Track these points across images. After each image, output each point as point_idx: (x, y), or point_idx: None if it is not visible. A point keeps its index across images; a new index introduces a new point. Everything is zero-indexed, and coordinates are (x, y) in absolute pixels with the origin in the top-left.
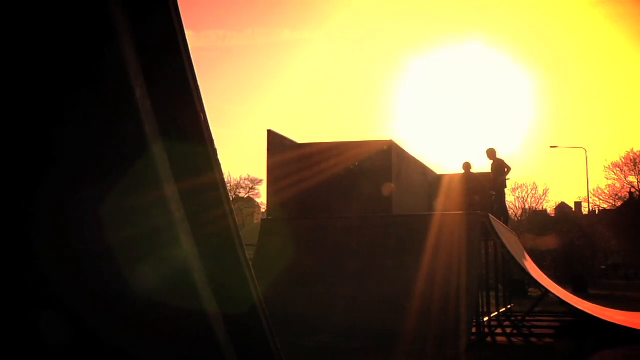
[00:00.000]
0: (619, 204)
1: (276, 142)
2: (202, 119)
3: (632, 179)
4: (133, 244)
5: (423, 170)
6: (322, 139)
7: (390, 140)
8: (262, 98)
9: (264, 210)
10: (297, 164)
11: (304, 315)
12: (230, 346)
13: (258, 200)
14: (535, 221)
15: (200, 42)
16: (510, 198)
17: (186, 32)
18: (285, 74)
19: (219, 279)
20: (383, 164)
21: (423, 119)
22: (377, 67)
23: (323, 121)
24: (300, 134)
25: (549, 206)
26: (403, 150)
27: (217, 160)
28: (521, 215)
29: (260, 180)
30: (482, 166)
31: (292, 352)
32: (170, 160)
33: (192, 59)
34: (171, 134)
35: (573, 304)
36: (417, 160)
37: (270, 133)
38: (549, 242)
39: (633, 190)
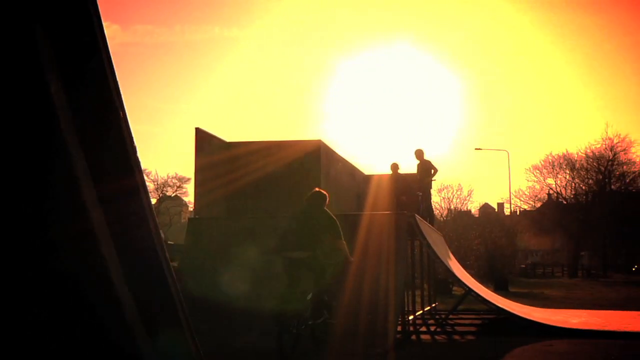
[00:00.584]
0: (539, 205)
1: (204, 141)
2: (121, 116)
3: (551, 181)
4: (51, 244)
5: (351, 170)
6: (251, 138)
7: (319, 141)
8: (191, 96)
9: (191, 209)
10: (225, 163)
11: (233, 315)
12: (148, 346)
13: (186, 199)
14: (460, 221)
15: (127, 37)
16: (436, 199)
17: (113, 27)
18: (215, 72)
19: (137, 279)
20: (312, 163)
21: (352, 120)
22: (307, 67)
23: (253, 120)
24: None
25: (473, 207)
26: (332, 151)
27: (137, 158)
28: (446, 216)
29: (188, 179)
30: (411, 167)
31: (220, 352)
32: (87, 158)
33: (116, 54)
34: (88, 131)
35: (494, 302)
36: (346, 161)
37: (198, 131)
38: (473, 241)
39: (551, 192)
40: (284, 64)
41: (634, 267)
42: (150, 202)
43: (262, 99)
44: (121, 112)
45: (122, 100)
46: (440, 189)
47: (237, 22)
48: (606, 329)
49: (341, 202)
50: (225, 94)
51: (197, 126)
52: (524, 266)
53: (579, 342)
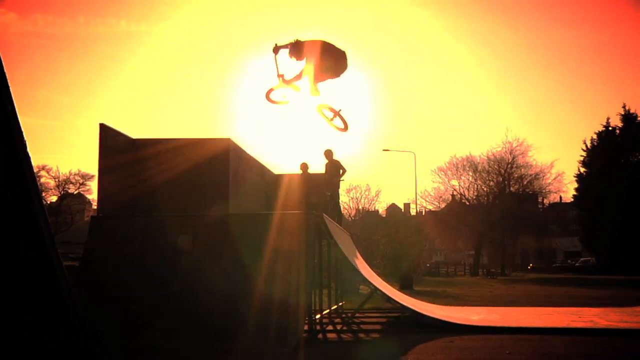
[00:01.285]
0: (443, 205)
1: (109, 137)
2: (9, 109)
3: (455, 182)
4: None
5: (261, 169)
6: (159, 136)
7: (228, 139)
8: (96, 90)
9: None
10: (131, 161)
11: (134, 314)
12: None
13: (89, 196)
14: (368, 221)
15: (26, 26)
16: (344, 198)
17: (9, 15)
18: (122, 67)
19: (24, 278)
20: (220, 162)
21: (263, 119)
22: (217, 66)
23: (161, 117)
24: (136, 129)
25: (381, 207)
26: (241, 149)
27: (27, 154)
28: (355, 215)
29: (92, 176)
30: (321, 167)
31: (119, 352)
32: None
33: (13, 44)
34: None
35: (399, 301)
36: (255, 160)
37: (102, 127)
38: (380, 241)
39: (455, 193)
40: (194, 62)
41: (529, 265)
42: (40, 197)
43: (171, 96)
44: (9, 106)
45: (9, 93)
46: (349, 189)
47: (146, 17)
48: (503, 324)
49: (250, 202)
50: (133, 90)
51: (101, 122)
52: (428, 265)
53: (478, 337)
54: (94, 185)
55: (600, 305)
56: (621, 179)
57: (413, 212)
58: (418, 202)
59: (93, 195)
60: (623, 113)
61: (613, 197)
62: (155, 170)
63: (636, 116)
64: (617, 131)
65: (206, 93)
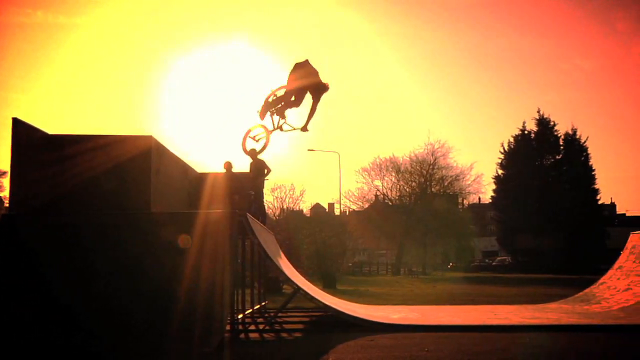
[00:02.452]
0: (367, 205)
1: (23, 132)
2: None
3: (378, 182)
4: None
5: (184, 168)
6: (78, 132)
7: (150, 136)
8: (10, 84)
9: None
10: (47, 157)
11: (53, 315)
12: None
13: (1, 194)
14: (292, 221)
15: None
16: (269, 198)
17: None
18: (39, 60)
19: None
20: (142, 159)
21: (187, 117)
22: (139, 62)
23: (80, 113)
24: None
25: (305, 206)
26: (163, 147)
27: None
28: (279, 215)
29: (5, 172)
30: (246, 166)
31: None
32: None
33: None
34: None
35: (321, 300)
36: (178, 158)
37: (16, 122)
38: (304, 241)
39: (378, 193)
40: (115, 57)
41: (449, 264)
42: None
43: (91, 92)
44: None
45: None
46: (274, 189)
47: (65, 9)
48: (423, 322)
49: (172, 200)
50: (50, 83)
51: (15, 116)
52: (351, 264)
53: (399, 335)
54: (6, 181)
55: (514, 302)
56: (535, 181)
57: (337, 212)
58: (342, 202)
59: (5, 193)
60: (538, 118)
61: (527, 198)
62: (73, 166)
63: (549, 121)
64: (532, 135)
65: (127, 89)
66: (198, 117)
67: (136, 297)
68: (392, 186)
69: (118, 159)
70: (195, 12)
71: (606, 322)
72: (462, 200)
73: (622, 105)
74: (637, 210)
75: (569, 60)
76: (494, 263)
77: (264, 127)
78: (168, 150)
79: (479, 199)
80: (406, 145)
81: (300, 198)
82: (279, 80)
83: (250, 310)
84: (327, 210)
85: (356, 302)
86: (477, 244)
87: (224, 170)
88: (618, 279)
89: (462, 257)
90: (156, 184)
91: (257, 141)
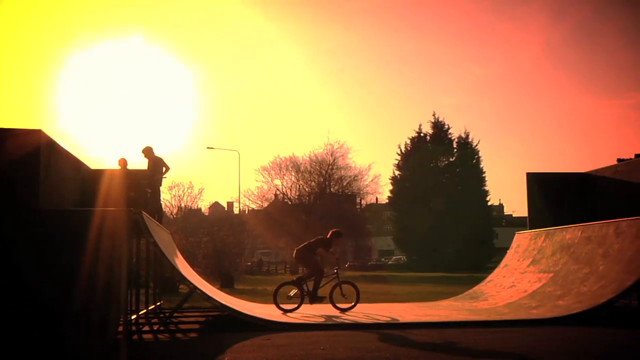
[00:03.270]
0: (266, 204)
1: None
2: None
3: (278, 182)
4: None
5: (76, 164)
6: None
7: (39, 130)
8: None
9: None
10: None
11: None
12: None
13: None
14: (190, 219)
15: None
16: (166, 196)
17: None
18: None
19: None
20: (30, 154)
21: (83, 113)
22: (32, 54)
23: None
24: None
25: (204, 205)
26: (54, 142)
27: None
28: (177, 213)
29: None
30: (144, 163)
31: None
32: None
33: None
34: None
35: (218, 299)
36: (70, 154)
37: None
38: (202, 239)
39: (278, 192)
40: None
41: (347, 263)
42: None
43: None
44: None
45: None
46: (171, 187)
47: None
48: (319, 321)
49: (64, 197)
50: None
51: None
52: (250, 264)
53: (295, 334)
54: None
55: (408, 300)
56: (429, 182)
57: (236, 210)
58: (241, 200)
59: None
60: (433, 121)
61: (421, 199)
62: None
63: (444, 124)
64: (428, 137)
65: (18, 82)
66: (96, 113)
67: (33, 297)
68: (291, 185)
69: (4, 154)
70: (91, 6)
71: (492, 318)
72: (360, 200)
73: (509, 111)
74: (522, 211)
75: (462, 66)
76: (389, 262)
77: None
78: (59, 146)
79: (377, 199)
80: (306, 145)
81: (198, 196)
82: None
83: (145, 310)
84: (226, 209)
85: (254, 302)
86: (374, 243)
87: (119, 167)
88: (504, 276)
89: (360, 256)
90: (46, 180)
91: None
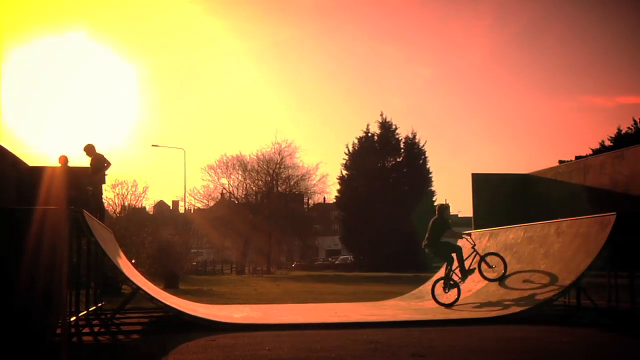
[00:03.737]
0: (212, 203)
1: None
2: None
3: (224, 180)
4: None
5: (13, 161)
6: None
7: None
8: None
9: None
10: None
11: None
12: None
13: None
14: (134, 218)
15: None
16: (109, 194)
17: None
18: None
19: None
20: None
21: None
22: None
23: None
24: None
25: (148, 204)
26: None
27: None
28: (120, 212)
29: None
30: (86, 160)
31: None
32: None
33: None
34: None
35: (162, 300)
36: (7, 151)
37: None
38: (146, 239)
39: (225, 191)
40: None
41: (294, 263)
42: None
43: None
44: None
45: None
46: (114, 185)
47: None
48: (265, 322)
49: (1, 195)
50: None
51: None
52: (195, 263)
53: (240, 335)
54: None
55: (354, 300)
56: (377, 182)
57: (182, 209)
58: (187, 199)
59: None
60: (381, 121)
61: (368, 199)
62: None
63: (391, 124)
64: (376, 137)
65: None
66: (39, 109)
67: None
68: (238, 184)
69: None
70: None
71: (437, 317)
72: (308, 199)
73: (457, 112)
74: (468, 211)
75: (411, 67)
76: (336, 262)
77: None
78: None
79: (324, 198)
80: (253, 144)
81: (143, 195)
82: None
83: (85, 312)
84: (171, 207)
85: (199, 302)
86: (321, 243)
87: (59, 165)
88: None
89: (307, 255)
90: None
91: None
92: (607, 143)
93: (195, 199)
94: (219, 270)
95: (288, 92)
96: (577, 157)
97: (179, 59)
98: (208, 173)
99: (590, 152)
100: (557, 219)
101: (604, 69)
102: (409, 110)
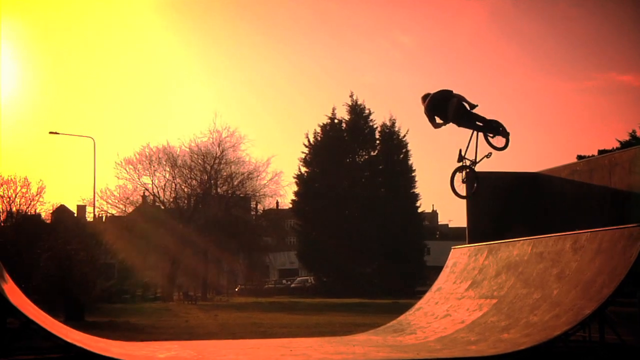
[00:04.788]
0: (131, 209)
1: None
2: None
3: (147, 179)
4: None
5: None
6: None
7: None
8: None
9: None
10: None
11: None
12: None
13: None
14: (25, 229)
15: None
16: None
17: None
18: None
19: None
20: None
21: None
22: None
23: None
24: None
25: (45, 209)
26: None
27: None
28: (5, 221)
29: None
30: None
31: None
32: None
33: None
34: None
35: (61, 337)
36: None
37: None
38: (41, 256)
39: (147, 193)
40: None
41: (237, 286)
42: None
43: None
44: None
45: None
46: None
47: None
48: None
49: None
50: None
51: None
52: (106, 288)
53: None
54: None
55: (315, 334)
56: (345, 181)
57: (90, 217)
58: (97, 203)
59: None
60: (350, 104)
61: (334, 203)
62: None
63: (364, 108)
64: (344, 125)
65: None
66: None
67: None
68: (165, 185)
69: None
70: None
71: (421, 356)
72: (256, 204)
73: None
74: (460, 220)
75: (387, 35)
76: (292, 285)
77: None
78: None
79: (277, 203)
80: (185, 132)
81: (37, 198)
82: None
83: None
84: (75, 214)
85: (111, 339)
86: (273, 261)
87: None
88: (436, 303)
89: (254, 276)
90: None
91: None
92: (639, 133)
93: (108, 203)
94: (139, 296)
95: (232, 67)
96: (600, 152)
97: (84, 22)
98: (125, 169)
99: (618, 144)
100: (573, 230)
101: (634, 38)
102: (386, 91)
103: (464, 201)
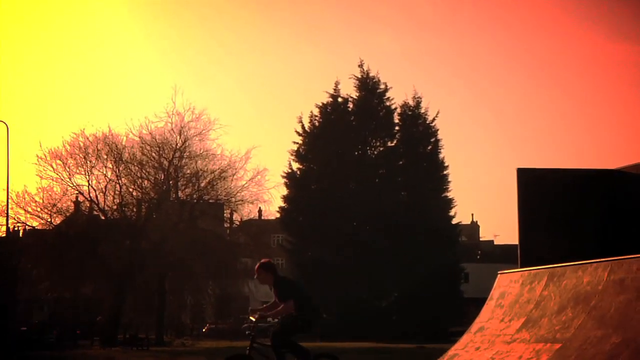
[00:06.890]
0: (59, 220)
1: None
2: None
3: (81, 180)
4: None
5: None
6: None
7: None
8: None
9: None
10: None
11: None
12: None
13: None
14: None
15: None
16: None
17: None
18: None
19: None
20: None
21: None
22: None
23: None
24: None
25: None
26: None
27: None
28: None
29: None
30: None
31: None
32: None
33: None
34: None
35: None
36: None
37: None
38: None
39: (82, 198)
40: None
41: (205, 325)
42: None
43: None
44: None
45: None
46: None
47: None
48: None
49: None
50: None
51: None
52: (26, 328)
53: None
54: None
55: None
56: (351, 182)
57: (3, 230)
58: (12, 212)
59: None
60: (359, 76)
61: (337, 212)
62: None
63: (377, 82)
64: (350, 105)
65: None
66: None
67: None
68: (106, 186)
69: None
70: None
71: None
72: (231, 213)
73: (487, 63)
74: (511, 235)
75: None
76: None
77: None
78: None
79: (260, 211)
80: (134, 115)
81: None
82: None
83: None
84: None
85: None
86: (254, 290)
87: None
88: (477, 349)
89: (228, 311)
90: None
91: None
92: None
93: (26, 211)
94: (70, 340)
95: (197, 26)
96: None
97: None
98: (51, 165)
99: None
100: None
101: None
102: (407, 58)
103: (514, 210)
